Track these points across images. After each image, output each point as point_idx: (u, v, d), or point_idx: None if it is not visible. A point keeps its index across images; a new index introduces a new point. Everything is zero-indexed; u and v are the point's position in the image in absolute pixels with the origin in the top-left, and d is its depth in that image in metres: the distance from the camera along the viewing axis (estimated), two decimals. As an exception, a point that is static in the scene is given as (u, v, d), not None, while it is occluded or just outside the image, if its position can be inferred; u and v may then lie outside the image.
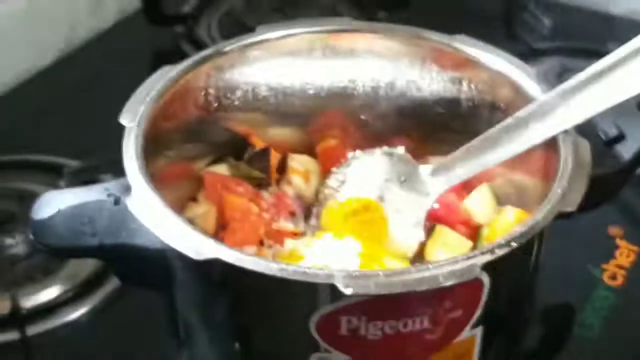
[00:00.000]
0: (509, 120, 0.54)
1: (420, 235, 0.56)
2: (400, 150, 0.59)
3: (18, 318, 0.62)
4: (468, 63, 0.58)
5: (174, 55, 0.60)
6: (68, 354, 0.62)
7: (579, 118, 0.51)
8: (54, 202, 0.51)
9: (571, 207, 0.47)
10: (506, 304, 0.49)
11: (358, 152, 0.60)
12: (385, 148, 0.59)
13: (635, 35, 0.51)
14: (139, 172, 0.49)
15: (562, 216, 0.48)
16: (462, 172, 0.56)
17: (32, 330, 0.62)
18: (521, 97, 0.55)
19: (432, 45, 0.59)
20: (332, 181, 0.59)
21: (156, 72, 0.56)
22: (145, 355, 0.61)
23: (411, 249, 0.56)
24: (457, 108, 0.60)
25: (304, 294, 0.45)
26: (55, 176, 0.73)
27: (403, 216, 0.56)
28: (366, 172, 0.58)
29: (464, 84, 0.59)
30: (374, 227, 0.55)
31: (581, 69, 0.52)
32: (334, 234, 0.54)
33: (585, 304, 0.66)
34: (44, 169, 0.75)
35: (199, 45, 0.88)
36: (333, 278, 0.43)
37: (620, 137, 0.53)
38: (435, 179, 0.57)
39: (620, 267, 0.68)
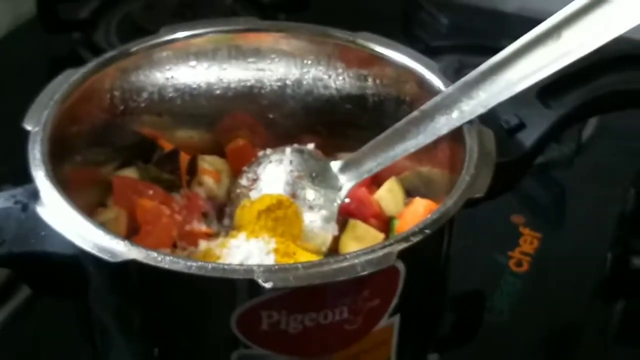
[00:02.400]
0: (414, 114, 0.55)
1: (334, 229, 0.57)
2: (310, 147, 0.60)
3: None
4: (373, 59, 0.59)
5: (72, 62, 0.59)
6: (-24, 371, 0.60)
7: (481, 109, 0.53)
8: (-42, 212, 0.49)
9: (479, 193, 0.48)
10: (421, 292, 0.50)
11: (268, 150, 0.60)
12: (296, 145, 0.60)
13: (526, 30, 0.53)
14: (47, 177, 0.48)
15: (470, 203, 0.49)
16: (371, 165, 0.57)
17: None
18: (426, 91, 0.56)
19: (336, 42, 0.60)
20: (243, 180, 0.59)
21: (59, 75, 0.55)
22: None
23: (325, 243, 0.56)
24: (364, 104, 0.61)
25: (224, 291, 0.45)
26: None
27: (316, 212, 0.57)
28: (277, 170, 0.58)
29: (370, 79, 0.60)
30: (287, 223, 0.55)
31: (478, 65, 0.54)
32: (248, 232, 0.54)
33: (493, 290, 0.68)
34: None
35: (97, 51, 0.86)
36: (252, 273, 0.43)
37: (521, 126, 0.55)
38: (346, 174, 0.58)
39: (524, 254, 0.71)
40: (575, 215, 0.77)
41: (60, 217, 0.46)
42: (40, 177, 0.48)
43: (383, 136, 0.56)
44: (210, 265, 0.43)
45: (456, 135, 0.53)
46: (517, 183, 0.58)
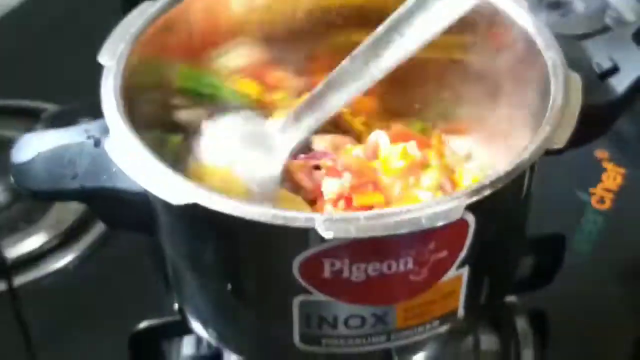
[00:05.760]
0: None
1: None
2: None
3: (3, 268, 0.61)
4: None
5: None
6: (55, 303, 0.62)
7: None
8: (33, 145, 0.50)
9: (559, 145, 0.46)
10: (493, 243, 0.48)
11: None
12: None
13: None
14: (118, 113, 0.48)
15: (550, 153, 0.46)
16: (310, 122, 0.53)
17: (19, 280, 0.62)
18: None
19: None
20: None
21: (136, 8, 0.54)
22: (134, 301, 0.60)
23: None
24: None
25: (285, 237, 0.44)
26: (32, 121, 0.71)
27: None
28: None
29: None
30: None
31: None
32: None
33: (574, 229, 0.65)
34: (20, 114, 0.73)
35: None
36: (313, 222, 0.42)
37: (614, 70, 0.51)
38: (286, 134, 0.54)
39: (608, 190, 0.67)
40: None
41: (127, 154, 0.46)
42: (111, 113, 0.48)
43: (317, 88, 0.52)
44: (271, 212, 0.43)
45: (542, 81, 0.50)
46: (607, 129, 0.54)
